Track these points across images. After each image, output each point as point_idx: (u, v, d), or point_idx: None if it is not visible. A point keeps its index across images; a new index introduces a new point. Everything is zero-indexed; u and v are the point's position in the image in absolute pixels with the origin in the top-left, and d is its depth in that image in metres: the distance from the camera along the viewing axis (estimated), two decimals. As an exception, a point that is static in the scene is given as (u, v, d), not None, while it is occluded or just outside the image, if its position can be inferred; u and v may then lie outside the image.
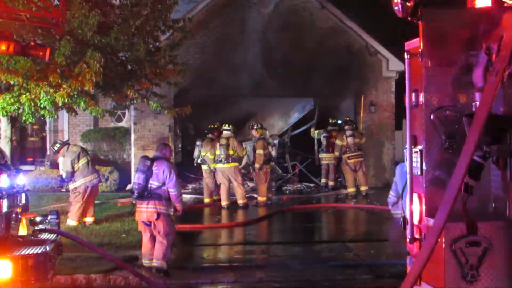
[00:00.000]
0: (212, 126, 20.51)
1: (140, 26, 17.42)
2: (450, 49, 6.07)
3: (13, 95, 15.95)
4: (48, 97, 16.22)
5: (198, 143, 20.42)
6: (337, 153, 21.70)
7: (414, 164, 6.47)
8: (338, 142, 21.47)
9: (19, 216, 9.70)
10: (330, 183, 22.18)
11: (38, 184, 22.04)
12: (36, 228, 9.93)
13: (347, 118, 22.04)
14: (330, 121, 22.72)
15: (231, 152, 18.72)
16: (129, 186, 22.85)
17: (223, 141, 19.28)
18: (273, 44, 22.71)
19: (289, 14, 23.90)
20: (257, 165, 19.36)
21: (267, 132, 21.59)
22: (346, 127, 21.46)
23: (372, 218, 17.77)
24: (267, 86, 22.57)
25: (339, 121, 22.65)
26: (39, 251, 8.48)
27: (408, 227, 6.57)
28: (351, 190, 21.12)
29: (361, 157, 21.13)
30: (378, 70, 25.22)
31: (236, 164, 19.34)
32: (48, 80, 15.57)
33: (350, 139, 21.01)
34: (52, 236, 9.61)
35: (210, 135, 20.25)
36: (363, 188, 20.88)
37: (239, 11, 23.50)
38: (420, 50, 6.12)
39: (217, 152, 19.03)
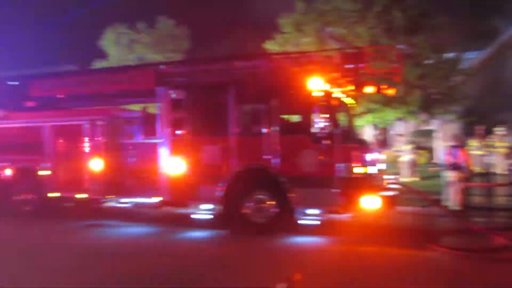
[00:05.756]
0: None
1: (441, 74, 16.32)
2: None
3: (374, 114, 16.10)
4: (392, 114, 16.02)
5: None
6: None
7: None
8: None
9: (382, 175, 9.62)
10: None
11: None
12: (388, 182, 9.74)
13: None
14: None
15: None
16: (433, 160, 21.61)
17: None
18: None
19: None
20: None
21: None
22: None
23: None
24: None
25: None
26: (390, 194, 8.49)
27: None
28: None
29: None
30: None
31: None
32: (391, 105, 15.43)
33: None
34: (396, 186, 9.42)
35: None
36: None
37: (496, 61, 20.82)
38: None
39: None
